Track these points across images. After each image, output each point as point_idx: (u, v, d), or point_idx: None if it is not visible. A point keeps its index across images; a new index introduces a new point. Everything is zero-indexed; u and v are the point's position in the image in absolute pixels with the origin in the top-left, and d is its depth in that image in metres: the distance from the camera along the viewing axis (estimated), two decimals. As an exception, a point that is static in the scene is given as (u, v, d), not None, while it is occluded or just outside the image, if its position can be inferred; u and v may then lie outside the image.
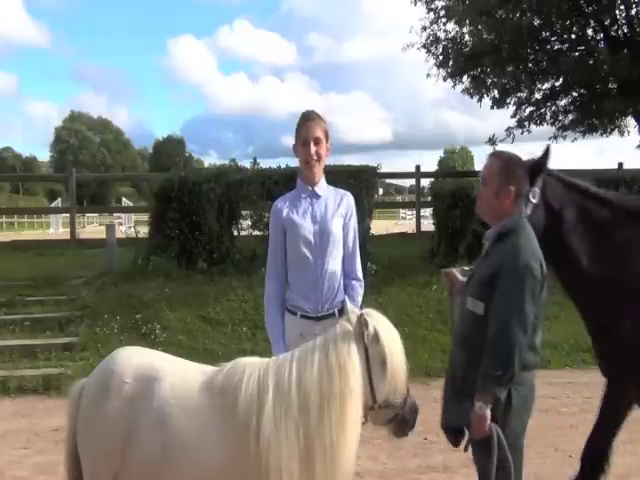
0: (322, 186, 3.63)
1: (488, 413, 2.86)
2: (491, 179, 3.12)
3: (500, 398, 2.90)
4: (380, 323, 2.90)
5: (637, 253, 3.69)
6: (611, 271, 3.68)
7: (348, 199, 3.67)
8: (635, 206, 3.86)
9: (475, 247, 3.60)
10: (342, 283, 3.60)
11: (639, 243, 3.71)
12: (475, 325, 3.01)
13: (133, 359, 2.97)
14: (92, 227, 32.14)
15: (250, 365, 2.88)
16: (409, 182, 35.00)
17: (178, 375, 2.91)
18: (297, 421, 2.69)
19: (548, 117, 15.97)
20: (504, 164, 3.11)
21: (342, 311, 3.39)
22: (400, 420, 2.91)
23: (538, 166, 3.59)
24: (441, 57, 15.48)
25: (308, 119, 3.56)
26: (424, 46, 15.62)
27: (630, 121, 15.79)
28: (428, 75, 16.00)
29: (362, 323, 2.86)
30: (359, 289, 3.64)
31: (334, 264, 3.56)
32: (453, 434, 3.16)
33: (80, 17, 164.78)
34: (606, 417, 4.01)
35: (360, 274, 3.68)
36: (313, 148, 3.52)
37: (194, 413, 2.79)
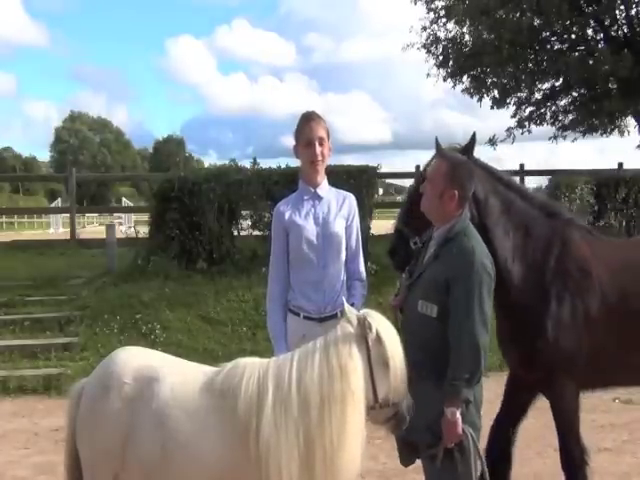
0: (324, 187, 3.63)
1: (460, 418, 2.90)
2: (437, 179, 3.12)
3: (470, 400, 2.94)
4: (381, 324, 2.91)
5: (556, 252, 3.69)
6: (530, 269, 3.67)
7: (350, 200, 3.67)
8: (551, 204, 3.90)
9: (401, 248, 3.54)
10: (345, 284, 3.61)
11: (557, 242, 3.71)
12: (429, 328, 3.02)
13: (133, 360, 2.97)
14: (92, 227, 32.15)
15: (250, 366, 2.88)
16: (409, 182, 34.98)
17: (178, 376, 2.91)
18: (297, 422, 2.69)
19: (548, 117, 15.96)
20: (450, 167, 3.11)
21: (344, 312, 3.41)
22: (398, 418, 2.93)
23: (464, 153, 3.54)
24: (441, 57, 15.47)
25: (310, 119, 3.57)
26: (424, 46, 15.61)
27: (630, 121, 15.79)
28: (428, 75, 16.01)
29: (364, 324, 2.86)
30: (362, 289, 3.65)
31: (336, 265, 3.56)
32: (407, 449, 3.15)
33: (79, 17, 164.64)
34: (508, 411, 3.98)
35: (363, 275, 3.68)
36: (318, 148, 3.53)
37: (194, 414, 2.79)
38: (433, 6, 15.48)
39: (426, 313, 3.02)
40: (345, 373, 2.75)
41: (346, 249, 3.60)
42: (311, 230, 3.53)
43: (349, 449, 2.71)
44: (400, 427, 2.97)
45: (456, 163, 3.17)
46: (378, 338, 2.85)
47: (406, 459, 3.21)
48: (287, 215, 3.58)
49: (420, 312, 3.05)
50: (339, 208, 3.61)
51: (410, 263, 3.40)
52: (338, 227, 3.56)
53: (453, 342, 2.93)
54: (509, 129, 15.79)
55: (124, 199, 40.97)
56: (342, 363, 2.76)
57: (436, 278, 3.02)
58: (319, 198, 3.60)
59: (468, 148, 3.59)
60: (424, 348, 3.03)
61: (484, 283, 2.96)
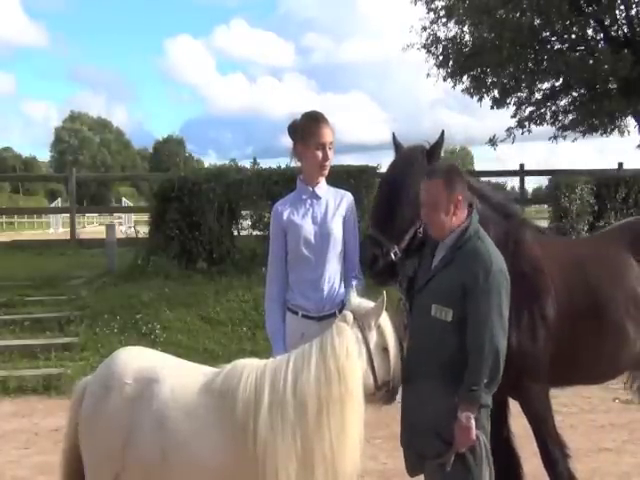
0: (322, 187, 3.64)
1: (474, 423, 2.86)
2: (440, 202, 3.04)
3: (489, 404, 2.91)
4: (374, 312, 2.95)
5: (509, 253, 3.59)
6: None
7: (348, 199, 3.68)
8: (507, 205, 3.84)
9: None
10: (342, 283, 3.61)
11: (511, 243, 3.66)
12: (442, 332, 2.97)
13: (134, 360, 2.98)
14: (92, 227, 32.17)
15: (248, 367, 2.88)
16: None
17: (178, 377, 2.92)
18: (294, 425, 2.70)
19: (548, 117, 15.95)
20: (443, 182, 3.04)
21: (342, 311, 3.43)
22: (391, 390, 2.98)
23: (434, 150, 3.49)
24: (441, 57, 15.47)
25: (320, 122, 3.56)
26: (424, 46, 15.61)
27: (630, 121, 15.78)
28: (428, 75, 16.00)
29: (361, 318, 2.89)
30: (359, 286, 3.64)
31: (334, 264, 3.56)
32: (415, 458, 3.11)
33: (77, 18, 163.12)
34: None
35: (360, 272, 3.68)
36: (330, 153, 3.55)
37: (193, 415, 2.79)
38: (433, 6, 15.47)
39: (440, 317, 2.98)
40: (343, 376, 2.76)
41: (344, 247, 3.61)
42: (309, 229, 3.54)
43: (349, 451, 2.72)
44: (393, 398, 3.01)
45: (446, 173, 3.10)
46: (377, 328, 2.88)
47: (413, 469, 3.15)
48: (285, 215, 3.59)
49: (433, 316, 3.00)
50: (337, 207, 3.61)
51: (392, 275, 3.35)
52: (336, 226, 3.56)
53: (472, 347, 2.89)
54: (509, 129, 15.79)
55: (124, 199, 40.97)
56: (340, 365, 2.77)
57: (451, 283, 2.97)
58: (317, 197, 3.61)
59: (436, 146, 3.52)
60: (435, 353, 2.99)
61: (502, 287, 2.93)
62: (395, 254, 3.33)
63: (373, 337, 2.91)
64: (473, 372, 2.87)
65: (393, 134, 3.69)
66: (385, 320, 2.97)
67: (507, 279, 2.98)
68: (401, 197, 3.37)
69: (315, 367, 2.76)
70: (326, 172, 3.60)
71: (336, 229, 3.56)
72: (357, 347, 2.86)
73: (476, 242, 3.02)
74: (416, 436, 3.06)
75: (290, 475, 2.66)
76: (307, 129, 3.56)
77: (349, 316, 2.92)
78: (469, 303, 2.92)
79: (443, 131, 3.54)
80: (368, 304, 3.01)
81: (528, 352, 3.57)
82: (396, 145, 3.68)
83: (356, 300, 3.05)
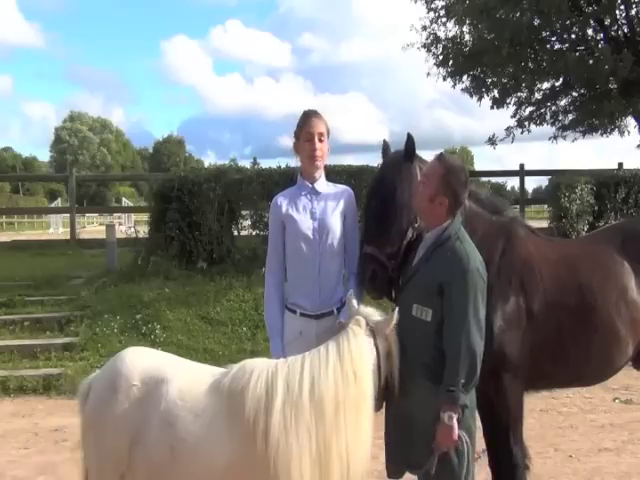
0: (322, 183, 3.65)
1: (456, 423, 2.86)
2: (431, 181, 3.06)
3: (467, 405, 2.91)
4: (382, 321, 2.98)
5: (500, 247, 3.62)
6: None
7: (348, 194, 3.68)
8: (496, 202, 3.83)
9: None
10: (341, 281, 3.60)
11: (502, 237, 3.65)
12: (423, 332, 2.98)
13: (141, 360, 2.98)
14: (92, 227, 32.17)
15: (258, 367, 2.88)
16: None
17: (186, 377, 2.91)
18: (309, 424, 2.70)
19: (548, 117, 15.94)
20: (445, 172, 3.05)
21: (341, 309, 3.46)
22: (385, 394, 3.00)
23: (408, 154, 3.46)
24: (441, 57, 15.47)
25: (311, 116, 3.59)
26: (424, 45, 15.62)
27: (630, 121, 15.77)
28: (428, 74, 16.00)
29: (373, 326, 2.93)
30: (357, 286, 3.63)
31: (333, 261, 3.56)
32: (396, 463, 3.12)
33: (74, 18, 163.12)
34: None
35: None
36: (318, 144, 3.55)
37: (202, 415, 2.79)
38: (433, 5, 15.48)
39: (420, 317, 2.99)
40: (360, 378, 2.79)
41: (344, 242, 3.60)
42: (307, 225, 3.54)
43: (362, 450, 2.75)
44: (382, 405, 3.03)
45: (451, 168, 3.09)
46: (382, 334, 2.92)
47: (395, 472, 3.17)
48: (284, 207, 3.60)
49: (414, 316, 3.01)
50: (337, 203, 3.61)
51: (389, 290, 3.36)
52: (335, 223, 3.56)
53: (448, 347, 2.90)
54: (509, 129, 15.80)
55: (124, 199, 40.99)
56: (356, 367, 2.80)
57: (429, 282, 2.99)
58: (317, 193, 3.61)
59: (409, 150, 3.47)
60: (417, 353, 2.99)
61: (478, 288, 2.94)
62: (393, 270, 3.34)
63: (382, 343, 2.94)
64: (450, 373, 2.88)
65: (384, 141, 3.65)
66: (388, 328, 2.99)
67: (484, 280, 2.99)
68: (392, 209, 3.35)
69: (333, 369, 2.78)
70: (319, 164, 3.59)
71: (335, 225, 3.55)
72: (369, 351, 2.90)
73: (455, 242, 3.02)
74: (407, 446, 3.05)
75: (304, 475, 2.66)
76: (299, 124, 3.61)
77: (362, 322, 2.94)
78: (445, 302, 2.93)
79: (409, 134, 3.49)
80: (377, 314, 3.04)
81: (509, 347, 3.54)
82: (385, 153, 3.64)
83: (364, 309, 3.07)
